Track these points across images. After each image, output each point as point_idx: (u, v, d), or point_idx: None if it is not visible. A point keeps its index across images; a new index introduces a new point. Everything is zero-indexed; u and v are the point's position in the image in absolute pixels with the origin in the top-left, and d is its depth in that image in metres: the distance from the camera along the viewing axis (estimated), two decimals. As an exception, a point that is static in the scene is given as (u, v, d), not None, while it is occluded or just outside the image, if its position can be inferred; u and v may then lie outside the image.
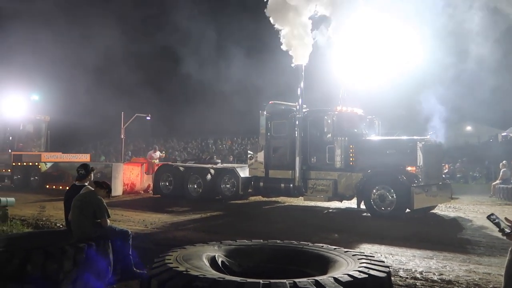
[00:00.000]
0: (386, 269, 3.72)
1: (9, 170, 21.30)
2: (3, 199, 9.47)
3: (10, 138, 22.94)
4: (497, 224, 3.59)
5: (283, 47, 13.05)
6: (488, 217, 3.68)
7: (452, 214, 11.98)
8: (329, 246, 4.59)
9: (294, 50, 12.93)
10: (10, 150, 22.20)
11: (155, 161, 18.33)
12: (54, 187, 18.40)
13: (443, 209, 12.60)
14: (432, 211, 11.98)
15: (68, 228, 6.14)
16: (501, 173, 16.87)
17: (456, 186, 17.02)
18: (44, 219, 10.41)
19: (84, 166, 6.58)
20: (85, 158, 23.19)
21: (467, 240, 8.46)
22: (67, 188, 6.96)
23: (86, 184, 6.31)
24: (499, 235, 3.69)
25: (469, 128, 38.51)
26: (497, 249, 7.54)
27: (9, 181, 21.42)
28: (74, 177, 6.70)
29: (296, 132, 12.77)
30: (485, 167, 25.94)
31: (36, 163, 20.00)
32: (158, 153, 18.92)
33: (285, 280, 3.22)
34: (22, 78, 27.19)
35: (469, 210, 12.67)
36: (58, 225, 9.78)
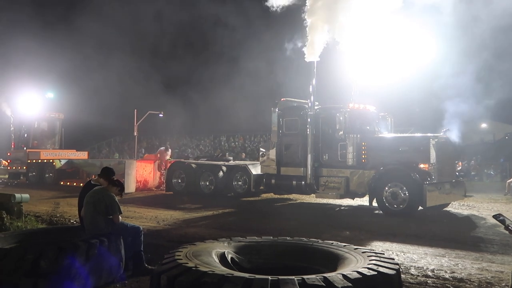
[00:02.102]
0: (396, 266, 3.70)
1: (24, 168, 21.62)
2: (18, 195, 9.61)
3: (25, 135, 23.27)
4: (502, 222, 3.60)
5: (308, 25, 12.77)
6: (494, 217, 3.69)
7: (465, 212, 11.86)
8: (339, 243, 4.58)
9: (310, 44, 12.79)
10: (25, 148, 22.50)
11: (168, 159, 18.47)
12: (68, 183, 18.66)
13: (457, 207, 12.49)
14: (445, 209, 11.88)
15: (81, 224, 6.22)
16: (516, 171, 16.64)
17: (470, 184, 16.84)
18: (58, 215, 10.53)
19: (106, 169, 6.56)
20: (83, 155, 23.01)
21: (480, 238, 8.37)
22: (81, 184, 7.04)
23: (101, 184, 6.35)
24: None
25: (484, 125, 37.92)
26: (511, 247, 7.46)
27: (24, 178, 21.75)
28: (88, 174, 6.76)
29: (308, 129, 12.70)
30: (500, 164, 25.57)
31: (51, 160, 20.28)
32: (169, 152, 19.04)
33: (293, 277, 3.23)
34: (37, 76, 27.59)
35: (483, 208, 12.51)
36: (71, 221, 9.92)
